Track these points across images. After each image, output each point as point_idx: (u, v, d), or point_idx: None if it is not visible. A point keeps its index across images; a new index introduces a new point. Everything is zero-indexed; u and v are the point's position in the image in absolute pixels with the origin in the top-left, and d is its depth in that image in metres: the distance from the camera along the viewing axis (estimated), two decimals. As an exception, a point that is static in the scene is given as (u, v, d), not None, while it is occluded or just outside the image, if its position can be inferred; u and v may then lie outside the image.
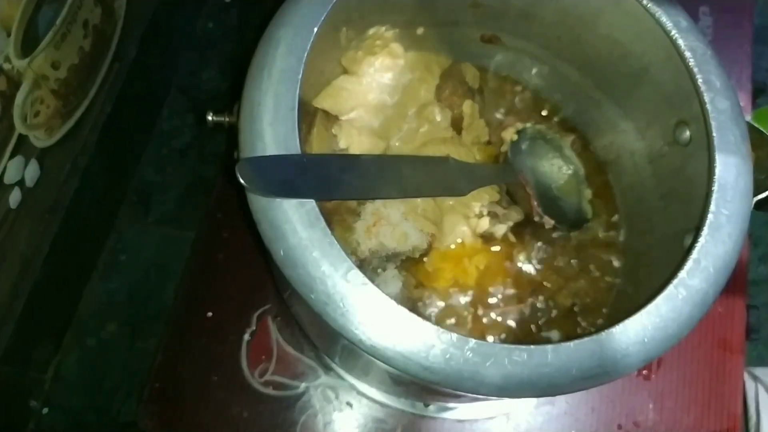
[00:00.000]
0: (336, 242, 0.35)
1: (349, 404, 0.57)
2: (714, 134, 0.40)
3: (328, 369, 0.57)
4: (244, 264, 0.61)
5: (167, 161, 0.79)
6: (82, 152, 0.67)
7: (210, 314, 0.59)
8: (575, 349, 0.35)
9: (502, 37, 0.52)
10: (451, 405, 0.56)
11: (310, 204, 0.35)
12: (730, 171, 0.40)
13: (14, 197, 0.58)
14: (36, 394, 0.69)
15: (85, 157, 0.67)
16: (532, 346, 0.35)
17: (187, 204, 0.77)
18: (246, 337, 0.58)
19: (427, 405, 0.56)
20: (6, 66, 0.52)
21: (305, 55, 0.39)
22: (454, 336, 0.34)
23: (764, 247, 0.85)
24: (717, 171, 0.39)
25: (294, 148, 0.36)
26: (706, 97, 0.41)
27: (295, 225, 0.35)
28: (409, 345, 0.34)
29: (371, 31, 0.48)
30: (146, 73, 0.76)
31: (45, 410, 0.69)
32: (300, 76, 0.38)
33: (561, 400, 0.57)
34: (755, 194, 0.41)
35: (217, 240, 0.62)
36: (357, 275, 0.35)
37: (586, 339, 0.35)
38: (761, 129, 0.45)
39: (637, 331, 0.36)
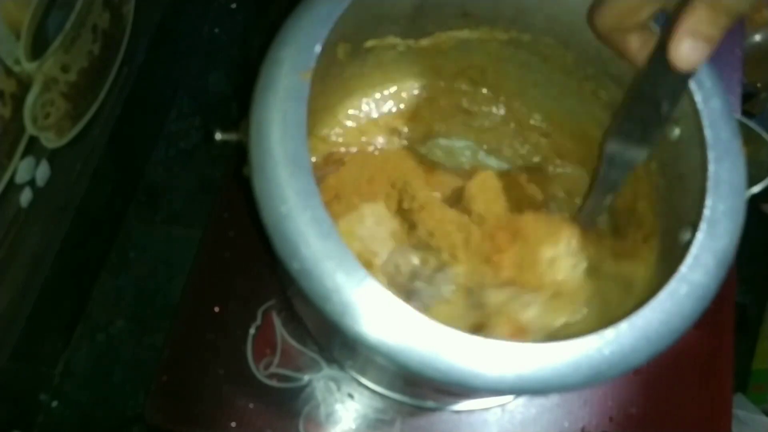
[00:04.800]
0: (350, 252, 0.35)
1: (350, 395, 0.57)
2: (706, 132, 0.41)
3: (330, 362, 0.58)
4: (250, 261, 0.61)
5: (175, 162, 0.80)
6: (92, 153, 0.68)
7: (216, 309, 0.60)
8: (584, 346, 0.35)
9: (493, 45, 0.53)
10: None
11: (323, 214, 0.36)
12: (723, 167, 0.40)
13: (25, 197, 0.58)
14: (46, 388, 0.70)
15: (95, 157, 0.68)
16: (541, 344, 0.35)
17: (194, 203, 0.78)
18: (251, 331, 0.59)
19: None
20: (16, 68, 0.53)
21: (310, 72, 0.39)
22: (469, 337, 0.34)
23: (752, 247, 0.86)
24: (711, 167, 0.40)
25: (304, 164, 0.36)
26: (697, 97, 0.41)
27: (308, 238, 0.35)
28: (425, 348, 0.34)
29: (369, 44, 0.49)
30: (154, 76, 0.76)
31: (54, 404, 0.70)
32: (306, 94, 0.38)
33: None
34: (748, 188, 0.42)
35: (223, 238, 0.63)
36: (371, 283, 0.35)
37: (594, 335, 0.36)
38: (751, 126, 0.46)
39: (643, 327, 0.36)
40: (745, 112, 0.85)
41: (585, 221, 0.51)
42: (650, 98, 0.41)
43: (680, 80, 0.39)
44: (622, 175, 0.46)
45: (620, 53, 0.42)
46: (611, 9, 0.40)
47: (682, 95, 0.41)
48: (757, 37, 0.88)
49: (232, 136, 0.45)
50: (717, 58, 0.37)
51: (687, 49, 0.35)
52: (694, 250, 0.38)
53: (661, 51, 0.38)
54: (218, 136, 0.46)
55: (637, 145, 0.44)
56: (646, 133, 0.43)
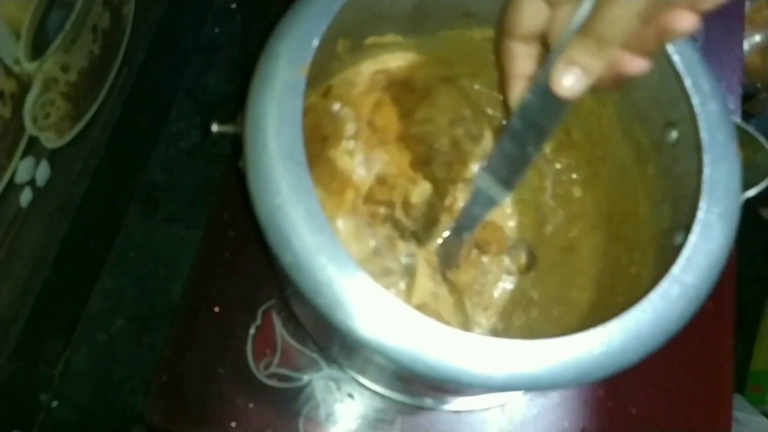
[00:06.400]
0: (341, 246, 0.35)
1: (350, 395, 0.58)
2: (703, 135, 0.41)
3: (330, 362, 0.58)
4: (250, 261, 0.61)
5: (175, 162, 0.80)
6: (93, 153, 0.68)
7: (216, 309, 0.60)
8: (575, 345, 0.35)
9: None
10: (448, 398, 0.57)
11: (316, 208, 0.36)
12: (719, 170, 0.40)
13: (25, 197, 0.58)
14: (46, 388, 0.70)
15: (95, 157, 0.68)
16: (531, 342, 0.35)
17: (194, 203, 0.78)
18: (251, 331, 0.59)
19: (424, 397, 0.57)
20: (16, 68, 0.53)
21: (307, 67, 0.39)
22: (459, 333, 0.35)
23: (753, 248, 0.86)
24: (706, 170, 0.40)
25: (299, 158, 0.37)
26: (695, 100, 0.42)
27: (300, 231, 0.35)
28: (417, 344, 0.34)
29: (369, 41, 0.50)
30: (154, 76, 0.76)
31: (54, 403, 0.70)
32: (303, 88, 0.38)
33: (554, 392, 0.58)
34: (743, 191, 0.42)
35: (223, 238, 0.63)
36: (363, 277, 0.35)
37: (584, 334, 0.36)
38: (748, 129, 0.46)
39: (633, 327, 0.36)
40: (745, 113, 0.85)
41: (442, 260, 0.51)
42: (519, 135, 0.41)
43: (552, 112, 0.39)
44: (483, 213, 0.46)
45: (504, 59, 0.43)
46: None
47: (546, 136, 0.41)
48: (757, 37, 0.88)
49: (228, 129, 0.45)
50: (717, 59, 0.37)
51: (568, 79, 0.37)
52: (686, 252, 0.38)
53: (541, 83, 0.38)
54: (215, 128, 0.46)
55: (502, 184, 0.44)
56: (511, 174, 0.43)
